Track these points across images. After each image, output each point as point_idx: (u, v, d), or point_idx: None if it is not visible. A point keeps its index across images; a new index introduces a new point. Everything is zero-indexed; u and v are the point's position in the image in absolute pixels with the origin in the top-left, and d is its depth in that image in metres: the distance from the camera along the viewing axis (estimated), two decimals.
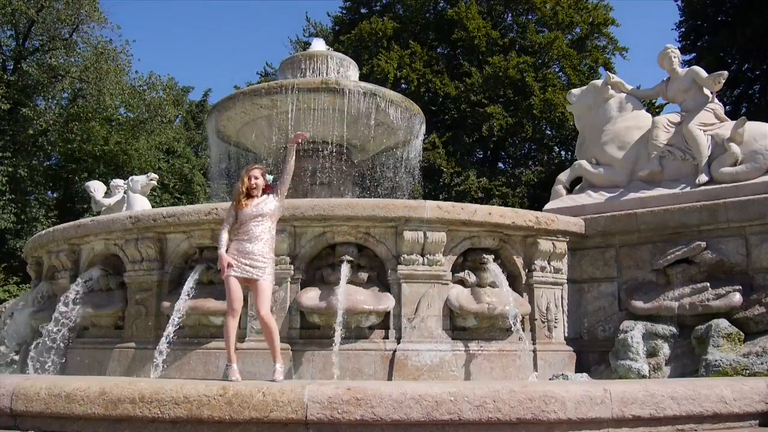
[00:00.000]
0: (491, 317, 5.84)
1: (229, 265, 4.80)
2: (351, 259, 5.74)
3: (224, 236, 4.94)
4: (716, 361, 5.41)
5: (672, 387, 4.13)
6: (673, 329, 5.99)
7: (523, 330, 6.01)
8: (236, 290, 4.81)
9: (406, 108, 8.93)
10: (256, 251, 4.82)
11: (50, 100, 21.96)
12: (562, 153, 25.41)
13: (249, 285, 4.90)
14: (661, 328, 5.99)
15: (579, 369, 6.32)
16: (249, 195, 4.95)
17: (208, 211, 5.83)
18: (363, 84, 8.75)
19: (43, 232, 7.60)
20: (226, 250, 4.88)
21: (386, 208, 5.72)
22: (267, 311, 4.83)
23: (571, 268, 6.74)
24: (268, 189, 5.06)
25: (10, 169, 19.13)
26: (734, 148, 6.90)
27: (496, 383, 4.20)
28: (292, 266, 5.75)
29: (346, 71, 9.51)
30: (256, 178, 4.97)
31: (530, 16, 25.80)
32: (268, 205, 4.94)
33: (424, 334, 5.68)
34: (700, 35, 22.86)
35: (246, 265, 4.79)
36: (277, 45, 59.74)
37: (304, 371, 5.50)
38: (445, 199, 21.27)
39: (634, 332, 5.94)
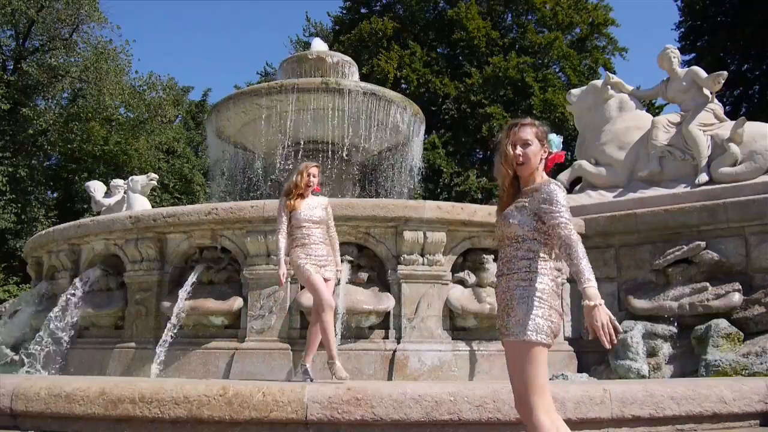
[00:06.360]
0: (491, 317, 5.81)
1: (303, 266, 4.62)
2: (351, 259, 5.74)
3: (282, 242, 4.71)
4: (716, 361, 5.41)
5: (671, 387, 4.14)
6: (673, 329, 5.99)
7: None
8: (323, 282, 4.59)
9: (406, 108, 8.93)
10: (322, 253, 4.69)
11: (50, 100, 21.93)
12: None
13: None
14: (661, 328, 5.99)
15: (579, 369, 6.31)
16: (301, 194, 4.77)
17: (208, 211, 5.83)
18: (363, 84, 8.75)
19: (43, 232, 7.60)
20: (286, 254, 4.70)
21: (386, 208, 5.72)
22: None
23: None
24: (316, 190, 4.91)
25: (10, 169, 19.11)
26: (734, 148, 6.91)
27: (496, 383, 4.19)
28: None
29: (346, 71, 9.51)
30: (315, 176, 4.80)
31: (530, 17, 25.81)
32: (317, 211, 4.76)
33: (424, 334, 5.68)
34: (700, 35, 22.86)
35: (314, 265, 4.64)
36: (277, 45, 59.89)
37: None
38: (445, 199, 21.29)
39: (634, 332, 5.94)
